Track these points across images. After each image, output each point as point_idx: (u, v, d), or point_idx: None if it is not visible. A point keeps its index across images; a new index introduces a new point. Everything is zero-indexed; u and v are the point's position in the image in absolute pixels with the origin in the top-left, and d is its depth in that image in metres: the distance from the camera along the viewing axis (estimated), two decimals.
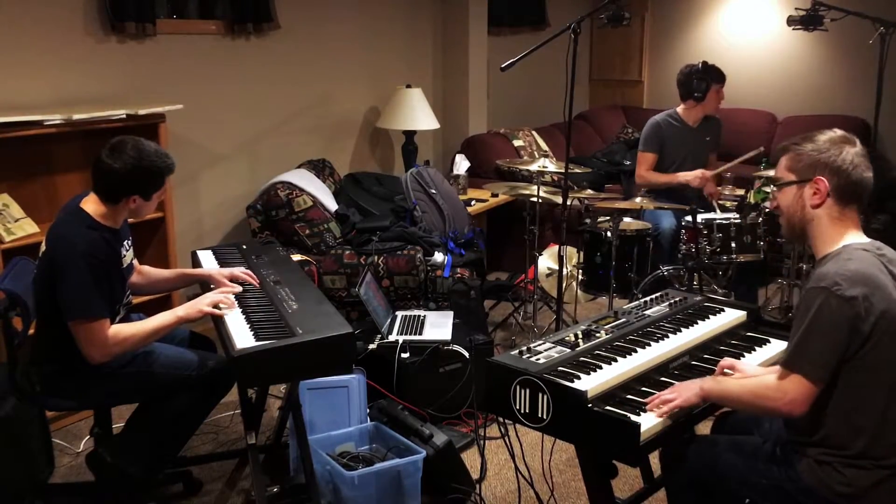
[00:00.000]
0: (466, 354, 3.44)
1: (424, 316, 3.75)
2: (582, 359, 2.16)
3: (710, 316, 2.54)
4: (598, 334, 2.32)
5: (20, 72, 3.61)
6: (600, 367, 2.11)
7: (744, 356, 2.33)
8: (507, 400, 2.06)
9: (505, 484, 3.07)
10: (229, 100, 4.55)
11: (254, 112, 4.71)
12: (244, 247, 3.31)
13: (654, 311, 2.55)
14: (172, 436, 2.73)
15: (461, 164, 5.59)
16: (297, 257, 3.87)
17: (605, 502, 2.22)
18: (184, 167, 4.09)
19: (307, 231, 4.29)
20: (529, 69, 5.45)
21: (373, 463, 2.79)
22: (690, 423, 2.07)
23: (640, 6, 7.46)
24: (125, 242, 2.71)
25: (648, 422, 1.93)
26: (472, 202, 5.27)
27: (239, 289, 2.78)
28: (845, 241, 1.94)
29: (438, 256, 4.27)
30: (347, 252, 4.29)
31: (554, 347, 2.21)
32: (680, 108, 4.56)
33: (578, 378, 2.04)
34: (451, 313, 3.77)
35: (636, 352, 2.23)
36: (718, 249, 3.95)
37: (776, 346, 2.40)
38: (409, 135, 5.42)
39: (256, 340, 2.35)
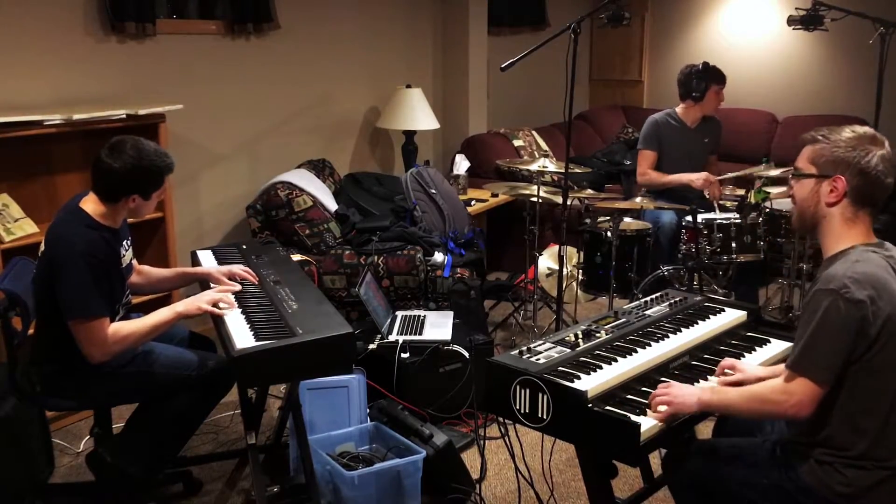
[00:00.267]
0: (466, 354, 3.44)
1: (424, 316, 3.75)
2: (582, 359, 2.16)
3: (711, 316, 2.54)
4: (598, 334, 2.31)
5: (20, 72, 3.61)
6: (600, 367, 2.11)
7: (744, 356, 2.33)
8: (507, 400, 2.06)
9: (505, 484, 3.07)
10: (229, 100, 4.55)
11: (254, 112, 4.71)
12: (244, 247, 3.31)
13: (655, 311, 2.55)
14: (172, 436, 2.73)
15: (461, 164, 5.59)
16: (297, 257, 3.86)
17: (605, 502, 2.22)
18: (184, 167, 4.09)
19: (307, 231, 4.29)
20: (529, 69, 5.45)
21: (373, 463, 2.79)
22: (690, 423, 2.07)
23: (640, 6, 7.46)
24: (125, 242, 2.71)
25: (648, 422, 1.92)
26: (472, 202, 5.27)
27: (238, 287, 2.78)
28: (855, 242, 1.92)
29: (438, 256, 4.27)
30: (347, 252, 4.29)
31: (554, 347, 2.21)
32: (679, 108, 4.56)
33: (578, 378, 2.04)
34: (451, 313, 3.77)
35: (636, 352, 2.23)
36: (718, 249, 3.95)
37: (776, 346, 2.40)
38: (409, 135, 5.42)
39: (256, 340, 2.35)
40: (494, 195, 5.27)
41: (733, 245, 3.94)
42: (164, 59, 4.17)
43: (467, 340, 3.48)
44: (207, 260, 3.14)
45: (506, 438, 2.74)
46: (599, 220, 4.25)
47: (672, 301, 2.64)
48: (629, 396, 2.05)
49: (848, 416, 1.87)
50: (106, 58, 3.93)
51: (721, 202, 4.34)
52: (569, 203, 3.75)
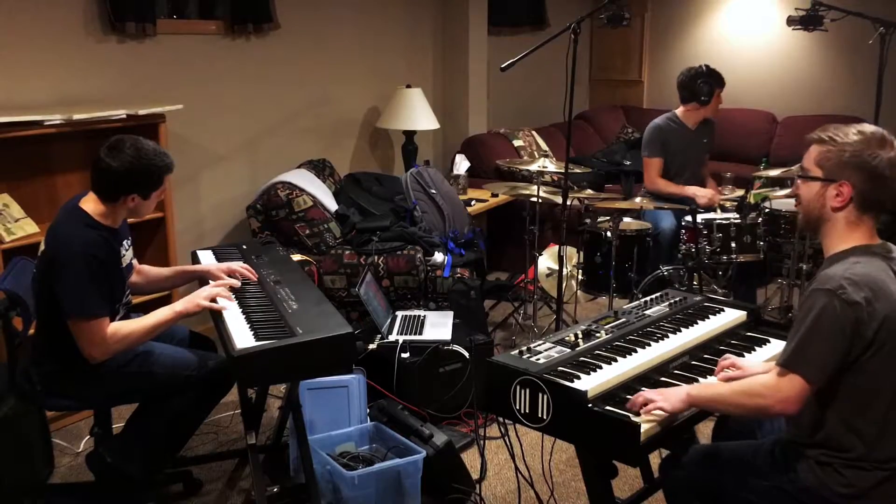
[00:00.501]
0: (466, 354, 3.45)
1: (424, 316, 3.75)
2: (582, 359, 2.16)
3: (710, 316, 2.54)
4: (598, 334, 2.32)
5: (20, 72, 3.61)
6: (600, 367, 2.11)
7: (744, 356, 2.32)
8: (507, 400, 2.06)
9: (505, 484, 3.07)
10: (229, 100, 4.54)
11: (254, 112, 4.71)
12: (244, 247, 3.31)
13: (654, 311, 2.55)
14: (172, 436, 2.73)
15: (461, 164, 5.59)
16: (297, 257, 3.87)
17: (605, 502, 2.22)
18: (184, 167, 4.10)
19: (307, 231, 4.29)
20: (529, 69, 5.45)
21: (373, 463, 2.79)
22: (690, 424, 2.07)
23: (640, 6, 7.45)
24: (124, 242, 2.71)
25: (649, 422, 1.93)
26: (472, 202, 5.27)
27: (236, 283, 2.78)
28: (856, 243, 1.92)
29: (438, 256, 4.27)
30: (347, 252, 4.29)
31: (554, 347, 2.21)
32: (679, 111, 4.55)
33: (578, 378, 2.04)
34: (451, 313, 3.77)
35: (636, 352, 2.23)
36: (718, 249, 3.95)
37: (776, 346, 2.40)
38: (409, 135, 5.42)
39: (256, 340, 2.35)
40: (494, 195, 5.27)
41: (733, 245, 3.94)
42: (164, 59, 4.17)
43: (467, 340, 3.48)
44: (207, 260, 3.14)
45: (506, 438, 2.74)
46: (599, 220, 4.25)
47: (672, 301, 2.64)
48: (629, 396, 2.05)
49: (846, 417, 1.87)
50: (106, 58, 3.92)
51: (720, 202, 4.35)
52: (569, 203, 3.75)
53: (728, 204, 4.36)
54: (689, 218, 4.03)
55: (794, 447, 1.96)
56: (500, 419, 2.61)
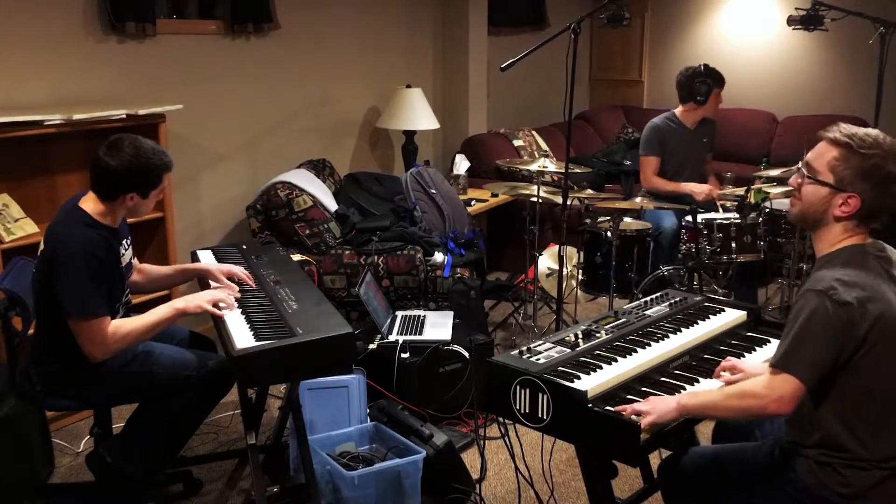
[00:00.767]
0: (466, 354, 3.44)
1: (424, 316, 3.75)
2: (582, 359, 2.16)
3: (711, 316, 2.54)
4: (598, 334, 2.32)
5: (20, 72, 3.60)
6: (600, 367, 2.11)
7: (744, 356, 2.33)
8: (507, 400, 2.06)
9: (505, 484, 3.07)
10: (229, 100, 4.54)
11: (254, 112, 4.71)
12: (244, 247, 3.31)
13: (654, 311, 2.55)
14: (172, 436, 2.73)
15: (461, 164, 5.59)
16: (297, 257, 3.86)
17: (605, 502, 2.22)
18: (184, 167, 4.10)
19: (307, 231, 4.29)
20: (529, 69, 5.45)
21: (373, 463, 2.79)
22: (689, 424, 2.07)
23: (640, 6, 7.45)
24: (124, 242, 2.71)
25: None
26: (472, 202, 5.27)
27: (236, 288, 2.78)
28: (847, 244, 1.92)
29: (438, 256, 4.27)
30: (347, 252, 4.29)
31: (554, 347, 2.21)
32: (678, 110, 4.56)
33: (578, 378, 2.04)
34: (451, 313, 3.77)
35: (636, 352, 2.23)
36: (718, 249, 3.95)
37: (776, 346, 2.40)
38: (409, 135, 5.42)
39: (256, 340, 2.35)
40: (494, 195, 5.27)
41: (733, 245, 3.94)
42: (164, 59, 4.17)
43: (467, 340, 3.48)
44: (207, 260, 3.14)
45: (506, 438, 2.74)
46: (599, 220, 4.25)
47: (672, 301, 2.64)
48: (629, 396, 2.05)
49: (842, 417, 1.86)
50: (106, 58, 3.92)
51: (721, 202, 4.35)
52: (569, 203, 3.75)
53: (728, 204, 4.36)
54: (689, 218, 4.03)
55: (794, 448, 1.96)
56: (500, 419, 2.61)
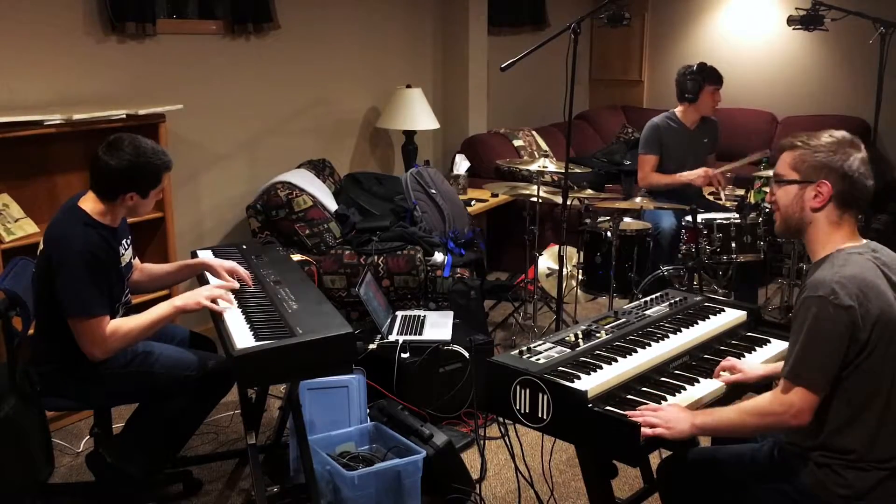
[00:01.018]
0: (466, 354, 3.44)
1: (424, 316, 3.74)
2: (582, 359, 2.16)
3: (710, 316, 2.54)
4: (598, 334, 2.31)
5: (20, 72, 3.60)
6: (600, 367, 2.11)
7: (744, 356, 2.33)
8: (507, 400, 2.06)
9: (505, 484, 3.07)
10: (229, 100, 4.54)
11: (254, 112, 4.71)
12: (244, 247, 3.31)
13: (654, 311, 2.55)
14: (172, 436, 2.73)
15: (461, 164, 5.59)
16: (297, 257, 3.87)
17: (605, 502, 2.22)
18: (184, 167, 4.10)
19: (307, 231, 4.29)
20: (529, 69, 5.45)
21: (373, 463, 2.80)
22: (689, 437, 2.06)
23: (640, 6, 7.45)
24: (124, 241, 2.71)
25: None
26: (472, 202, 5.27)
27: (235, 285, 2.78)
28: (840, 245, 1.93)
29: (438, 256, 4.27)
30: (347, 252, 4.28)
31: (554, 347, 2.21)
32: (678, 110, 4.56)
33: (578, 378, 2.04)
34: (451, 313, 3.77)
35: (636, 352, 2.23)
36: (718, 249, 3.95)
37: (776, 346, 2.40)
38: (409, 135, 5.42)
39: (256, 340, 2.35)
40: (494, 195, 5.27)
41: (733, 245, 3.94)
42: (164, 59, 4.17)
43: (467, 340, 3.48)
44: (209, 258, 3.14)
45: (506, 438, 2.74)
46: (599, 220, 4.25)
47: (672, 301, 2.64)
48: (629, 396, 2.05)
49: (843, 418, 1.86)
50: (106, 58, 3.92)
51: (721, 201, 4.35)
52: (569, 203, 3.75)
53: (728, 204, 4.36)
54: (689, 218, 4.03)
55: (793, 449, 1.96)
56: (500, 419, 2.62)
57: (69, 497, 3.02)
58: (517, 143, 6.09)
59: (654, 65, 7.65)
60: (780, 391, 1.87)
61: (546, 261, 4.57)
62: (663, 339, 2.33)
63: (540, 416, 2.00)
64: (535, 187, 4.19)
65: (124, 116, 3.55)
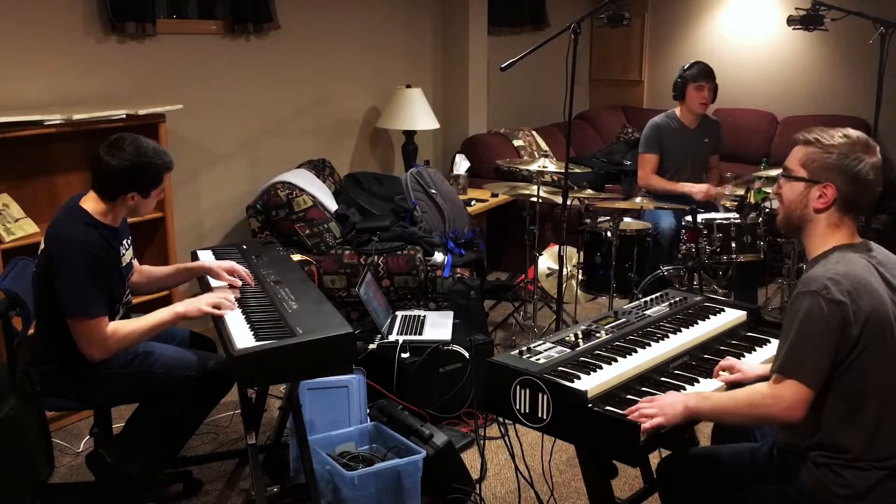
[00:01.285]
0: (466, 354, 3.44)
1: (424, 316, 3.74)
2: (582, 359, 2.16)
3: (710, 316, 2.54)
4: (598, 334, 2.31)
5: (20, 72, 3.61)
6: (600, 367, 2.11)
7: (744, 356, 2.33)
8: (507, 400, 2.06)
9: (505, 484, 3.07)
10: (229, 100, 4.54)
11: (254, 112, 4.71)
12: (244, 247, 3.31)
13: (654, 311, 2.55)
14: (172, 436, 2.73)
15: (461, 164, 5.59)
16: (297, 257, 3.86)
17: (605, 502, 2.22)
18: (184, 167, 4.10)
19: (307, 231, 4.29)
20: (529, 69, 5.45)
21: (373, 463, 2.80)
22: (689, 424, 2.07)
23: (640, 6, 7.45)
24: (124, 242, 2.71)
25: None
26: (472, 202, 5.27)
27: (239, 283, 2.78)
28: (836, 244, 1.93)
29: (438, 256, 4.27)
30: (347, 252, 4.29)
31: (554, 347, 2.21)
32: (677, 110, 4.58)
33: (578, 378, 2.04)
34: (451, 313, 3.77)
35: (636, 352, 2.23)
36: (718, 249, 3.95)
37: (776, 346, 2.39)
38: (409, 135, 5.42)
39: (256, 340, 2.35)
40: (494, 195, 5.27)
41: (733, 245, 3.94)
42: (164, 59, 4.17)
43: (467, 340, 3.48)
44: (207, 260, 3.14)
45: (506, 438, 2.74)
46: (599, 220, 4.25)
47: (672, 301, 2.64)
48: (629, 396, 2.05)
49: (840, 418, 1.86)
50: (106, 58, 3.92)
51: (722, 202, 4.35)
52: (569, 203, 3.75)
53: (728, 204, 4.36)
54: (689, 218, 4.03)
55: (792, 449, 1.96)
56: (500, 419, 2.62)
57: (69, 497, 3.02)
58: (517, 143, 6.09)
59: (654, 65, 7.65)
60: (772, 384, 1.87)
61: (546, 261, 4.57)
62: (663, 339, 2.33)
63: (540, 416, 2.00)
64: (535, 187, 4.19)
65: (124, 116, 3.55)
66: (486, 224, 5.64)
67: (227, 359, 2.46)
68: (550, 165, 4.17)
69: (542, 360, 2.11)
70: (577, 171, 4.45)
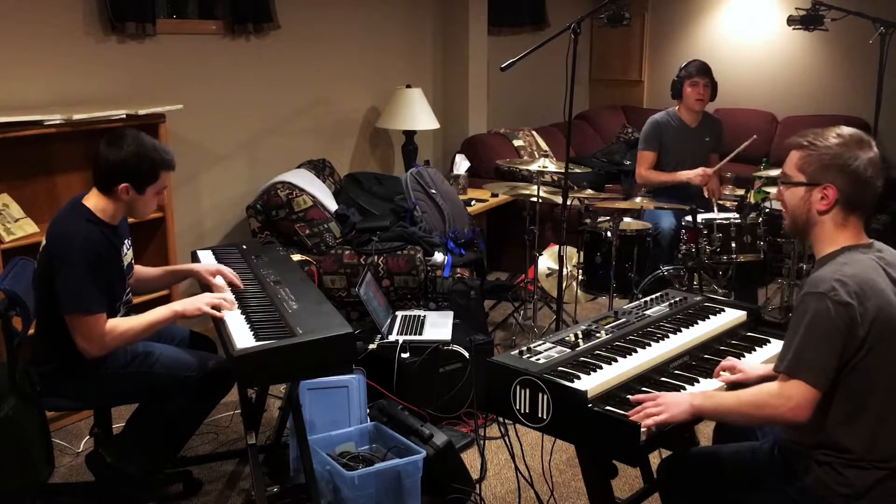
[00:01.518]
0: (466, 354, 3.44)
1: (424, 316, 3.74)
2: (582, 359, 2.16)
3: (710, 316, 2.54)
4: (598, 334, 2.31)
5: (20, 72, 3.61)
6: (600, 367, 2.11)
7: (744, 356, 2.32)
8: (507, 400, 2.06)
9: (505, 484, 3.07)
10: (229, 100, 4.55)
11: (254, 112, 4.71)
12: (244, 247, 3.31)
13: (654, 311, 2.55)
14: (172, 436, 2.73)
15: (461, 164, 5.59)
16: (297, 257, 3.86)
17: (605, 502, 2.22)
18: (184, 167, 4.10)
19: (307, 231, 4.29)
20: (529, 69, 5.45)
21: (373, 463, 2.79)
22: (689, 424, 2.07)
23: (640, 6, 7.46)
24: (125, 242, 2.71)
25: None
26: (472, 202, 5.27)
27: (226, 287, 2.77)
28: (844, 244, 1.92)
29: (438, 256, 4.27)
30: (347, 252, 4.28)
31: (554, 347, 2.21)
32: (678, 109, 4.58)
33: (578, 378, 2.04)
34: (451, 313, 3.77)
35: (636, 352, 2.23)
36: (718, 249, 3.95)
37: (776, 346, 2.39)
38: (409, 135, 5.42)
39: (256, 340, 2.35)
40: (494, 195, 5.27)
41: (733, 245, 3.94)
42: (164, 59, 4.17)
43: (467, 340, 3.48)
44: (207, 260, 3.14)
45: (506, 438, 2.74)
46: (599, 220, 4.25)
47: (672, 301, 2.64)
48: (629, 396, 2.05)
49: (843, 417, 1.86)
50: (106, 58, 3.93)
51: (721, 202, 4.35)
52: (569, 203, 3.74)
53: (728, 204, 4.36)
54: (689, 218, 4.03)
55: (793, 448, 1.96)
56: (500, 419, 2.62)
57: (69, 497, 3.02)
58: (517, 143, 6.09)
59: (654, 65, 7.65)
60: (778, 384, 1.87)
61: (546, 261, 4.57)
62: (663, 339, 2.33)
63: (540, 416, 2.00)
64: (535, 187, 4.19)
65: (124, 116, 3.55)
66: (486, 224, 5.64)
67: (227, 359, 2.46)
68: (550, 165, 4.17)
69: (542, 360, 2.11)
70: (577, 171, 4.45)
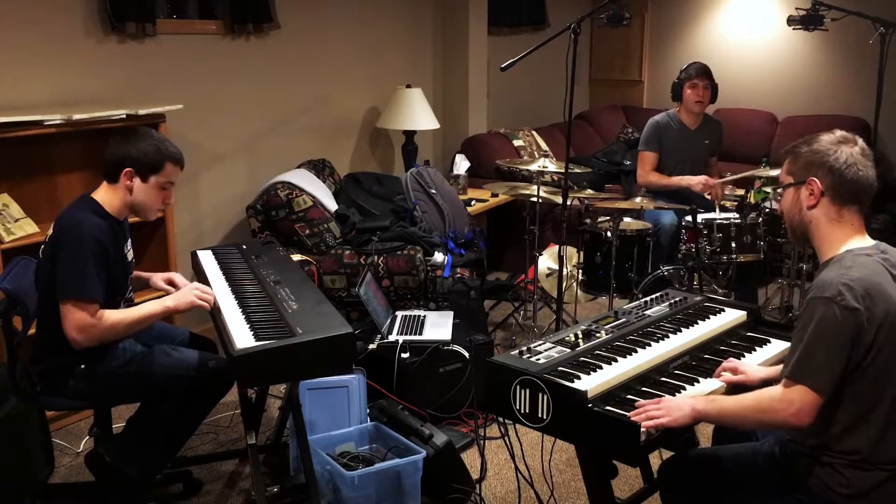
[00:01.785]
0: (466, 354, 3.44)
1: (424, 316, 3.74)
2: (582, 359, 2.16)
3: (710, 316, 2.54)
4: (598, 334, 2.31)
5: (20, 72, 3.60)
6: (600, 367, 2.11)
7: (744, 356, 2.32)
8: (507, 400, 2.06)
9: (505, 484, 3.07)
10: (229, 100, 4.54)
11: (254, 112, 4.71)
12: (244, 247, 3.31)
13: (654, 311, 2.55)
14: (172, 436, 2.73)
15: (461, 164, 5.59)
16: (297, 257, 3.87)
17: (605, 502, 2.22)
18: (184, 167, 4.09)
19: (307, 231, 4.29)
20: (529, 69, 5.45)
21: (373, 463, 2.80)
22: (689, 425, 2.07)
23: (640, 6, 7.46)
24: (127, 241, 2.71)
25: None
26: (472, 202, 5.27)
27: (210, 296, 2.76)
28: (848, 246, 1.92)
29: (438, 256, 4.27)
30: (347, 252, 4.29)
31: (554, 347, 2.21)
32: (677, 110, 4.58)
33: (578, 378, 2.04)
34: (451, 313, 3.77)
35: (636, 352, 2.23)
36: (718, 249, 3.95)
37: (776, 346, 2.40)
38: (409, 135, 5.42)
39: (256, 340, 2.35)
40: (494, 195, 5.27)
41: (733, 245, 3.94)
42: (164, 59, 4.17)
43: (467, 340, 3.48)
44: (207, 260, 3.14)
45: (506, 438, 2.74)
46: (599, 220, 4.25)
47: (672, 301, 2.64)
48: (629, 396, 2.05)
49: (847, 421, 1.86)
50: (106, 58, 3.92)
51: (721, 202, 4.35)
52: (569, 203, 3.75)
53: (728, 204, 4.36)
54: (689, 218, 4.03)
55: (795, 448, 1.96)
56: (500, 419, 2.62)
57: (69, 497, 3.02)
58: (517, 143, 6.09)
59: (654, 65, 7.65)
60: (782, 388, 1.86)
61: (546, 261, 4.57)
62: (663, 339, 2.33)
63: (540, 416, 2.00)
64: (535, 187, 4.19)
65: (124, 116, 3.55)
66: (486, 224, 5.64)
67: (227, 359, 2.46)
68: (550, 165, 4.17)
69: (542, 360, 2.11)
70: (577, 171, 4.45)
